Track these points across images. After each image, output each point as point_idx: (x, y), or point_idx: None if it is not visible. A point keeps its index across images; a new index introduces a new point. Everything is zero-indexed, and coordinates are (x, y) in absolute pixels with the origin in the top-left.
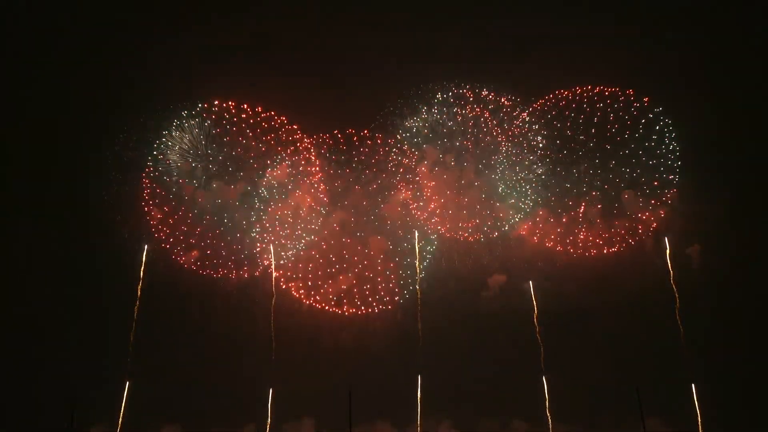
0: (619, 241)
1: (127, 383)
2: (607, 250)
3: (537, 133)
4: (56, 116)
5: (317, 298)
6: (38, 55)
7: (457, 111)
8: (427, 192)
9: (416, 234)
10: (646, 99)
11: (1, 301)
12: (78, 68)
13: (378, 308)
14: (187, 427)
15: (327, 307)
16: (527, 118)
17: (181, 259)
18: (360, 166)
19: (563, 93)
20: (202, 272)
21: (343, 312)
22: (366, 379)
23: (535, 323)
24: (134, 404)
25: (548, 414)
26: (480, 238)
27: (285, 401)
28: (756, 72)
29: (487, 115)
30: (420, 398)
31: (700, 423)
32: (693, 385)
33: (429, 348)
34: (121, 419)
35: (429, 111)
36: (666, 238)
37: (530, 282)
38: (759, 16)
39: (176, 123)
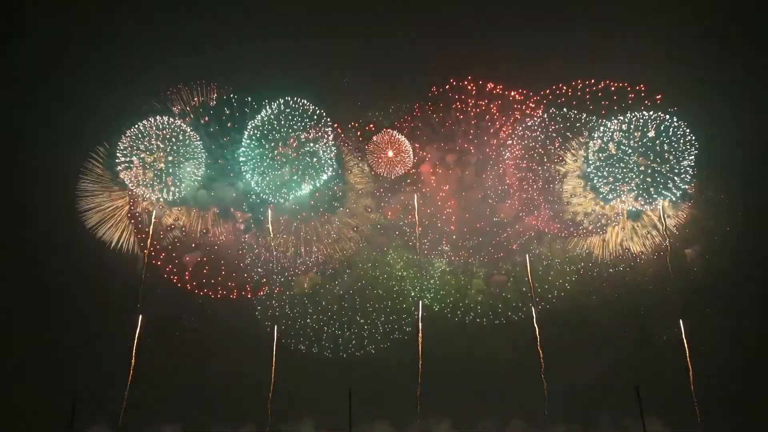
0: (626, 260)
1: (128, 383)
2: (614, 269)
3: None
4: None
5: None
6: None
7: (456, 106)
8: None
9: (418, 233)
10: (658, 96)
11: (2, 302)
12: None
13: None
14: (187, 427)
15: (327, 329)
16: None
17: (175, 277)
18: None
19: (563, 88)
20: (200, 292)
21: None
22: (366, 379)
23: (535, 325)
24: (134, 404)
25: (547, 413)
26: (484, 259)
27: (285, 401)
28: None
29: (494, 110)
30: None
31: (698, 415)
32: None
33: (429, 347)
34: (121, 419)
35: (423, 108)
36: (667, 240)
37: (526, 256)
38: None
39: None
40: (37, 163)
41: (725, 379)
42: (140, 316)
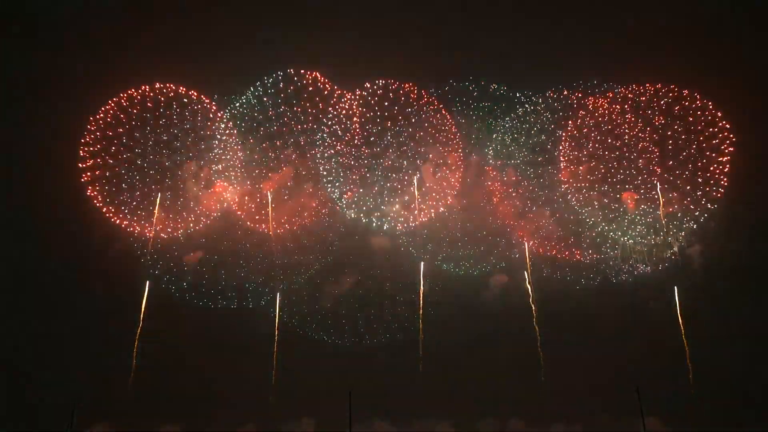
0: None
1: (129, 383)
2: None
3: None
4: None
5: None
6: None
7: (456, 108)
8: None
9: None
10: (680, 91)
11: (4, 303)
12: None
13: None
14: (187, 427)
15: (326, 338)
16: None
17: (172, 287)
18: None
19: (563, 90)
20: (199, 302)
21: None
22: (365, 379)
23: (535, 325)
24: (134, 404)
25: (547, 414)
26: (485, 268)
27: (285, 401)
28: None
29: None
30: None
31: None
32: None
33: (429, 347)
34: (121, 419)
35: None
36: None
37: (525, 244)
38: None
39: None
40: (37, 160)
41: (725, 379)
42: (147, 283)
